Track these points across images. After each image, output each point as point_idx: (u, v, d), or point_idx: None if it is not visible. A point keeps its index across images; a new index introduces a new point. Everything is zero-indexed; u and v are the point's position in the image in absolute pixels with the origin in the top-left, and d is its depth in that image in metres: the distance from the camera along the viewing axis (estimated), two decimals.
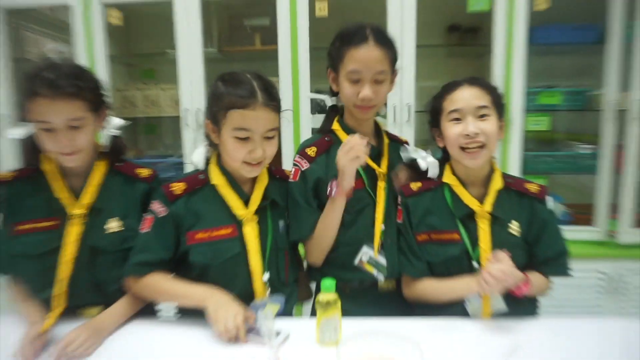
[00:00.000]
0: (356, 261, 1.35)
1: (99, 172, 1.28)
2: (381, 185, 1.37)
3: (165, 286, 1.22)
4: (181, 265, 1.25)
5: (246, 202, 1.25)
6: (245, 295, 1.21)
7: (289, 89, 2.24)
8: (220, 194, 1.24)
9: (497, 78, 2.19)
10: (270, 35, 2.38)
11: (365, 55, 1.27)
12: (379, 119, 1.49)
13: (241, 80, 1.19)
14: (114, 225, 1.26)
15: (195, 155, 1.31)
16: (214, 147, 1.28)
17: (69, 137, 1.16)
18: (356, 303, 1.31)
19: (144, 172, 1.34)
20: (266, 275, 1.23)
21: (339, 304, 1.13)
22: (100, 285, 1.26)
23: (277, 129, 1.24)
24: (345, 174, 1.25)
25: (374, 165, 1.37)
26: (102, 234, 1.25)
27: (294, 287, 1.35)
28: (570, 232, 2.26)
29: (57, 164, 1.25)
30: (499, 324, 1.20)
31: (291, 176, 1.36)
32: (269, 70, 2.42)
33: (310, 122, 2.26)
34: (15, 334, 1.11)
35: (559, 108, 2.33)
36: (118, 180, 1.30)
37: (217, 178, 1.25)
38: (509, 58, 2.16)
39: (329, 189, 1.29)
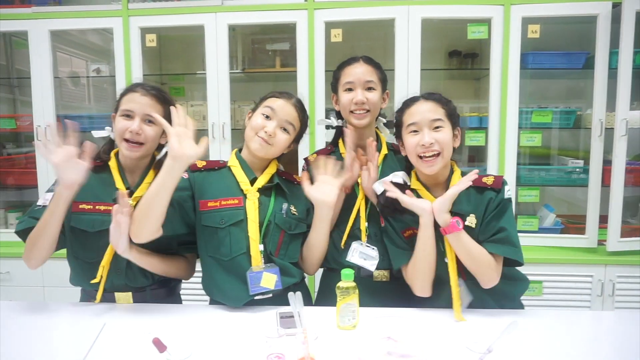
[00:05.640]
0: (348, 257, 1.55)
1: (152, 173, 1.52)
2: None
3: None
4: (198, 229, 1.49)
5: (252, 182, 1.50)
6: (246, 260, 1.43)
7: (306, 106, 2.47)
8: (233, 174, 1.50)
9: (493, 98, 2.42)
10: (289, 58, 2.66)
11: (356, 69, 1.57)
12: (381, 128, 1.69)
13: (286, 91, 1.56)
14: None
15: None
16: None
17: (142, 126, 1.43)
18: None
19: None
20: (261, 246, 1.45)
21: (357, 290, 1.30)
22: (131, 267, 1.46)
23: (295, 130, 1.51)
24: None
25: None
26: None
27: (285, 266, 1.49)
28: (563, 240, 2.50)
29: (122, 160, 1.50)
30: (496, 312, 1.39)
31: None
32: (288, 89, 2.64)
33: (324, 137, 2.49)
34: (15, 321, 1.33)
35: (551, 126, 2.55)
36: None
37: (232, 162, 1.52)
38: (505, 80, 2.39)
39: None
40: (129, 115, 1.44)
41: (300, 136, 1.56)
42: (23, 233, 1.44)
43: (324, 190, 1.44)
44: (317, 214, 1.49)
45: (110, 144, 1.54)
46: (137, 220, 1.36)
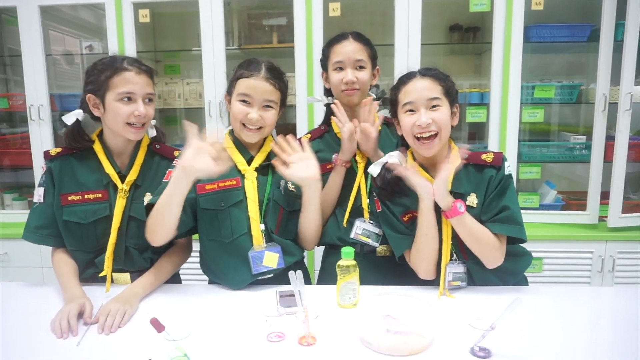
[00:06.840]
0: (352, 234, 1.55)
1: (142, 154, 1.48)
2: (359, 160, 1.57)
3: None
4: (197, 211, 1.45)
5: (249, 162, 1.46)
6: (247, 240, 1.42)
7: (304, 83, 2.43)
8: (229, 155, 1.44)
9: (495, 74, 2.37)
10: (286, 33, 2.59)
11: (346, 47, 1.54)
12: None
13: (252, 61, 1.45)
14: (148, 199, 1.44)
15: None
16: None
17: (146, 107, 1.38)
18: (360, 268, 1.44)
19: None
20: (262, 226, 1.43)
21: (357, 269, 1.29)
22: (130, 252, 1.45)
23: (277, 104, 1.44)
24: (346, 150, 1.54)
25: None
26: (140, 206, 1.43)
27: (286, 244, 1.47)
28: (564, 217, 2.48)
29: (109, 143, 1.45)
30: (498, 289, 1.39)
31: None
32: (286, 66, 2.56)
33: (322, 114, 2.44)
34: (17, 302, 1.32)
35: (553, 101, 2.51)
36: (156, 160, 1.51)
37: (227, 143, 1.47)
38: (507, 55, 2.33)
39: (333, 159, 1.57)
40: (129, 98, 1.36)
41: (285, 100, 1.49)
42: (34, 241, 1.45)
43: (302, 167, 1.39)
44: (306, 193, 1.44)
45: (79, 127, 1.44)
46: (151, 228, 1.35)
